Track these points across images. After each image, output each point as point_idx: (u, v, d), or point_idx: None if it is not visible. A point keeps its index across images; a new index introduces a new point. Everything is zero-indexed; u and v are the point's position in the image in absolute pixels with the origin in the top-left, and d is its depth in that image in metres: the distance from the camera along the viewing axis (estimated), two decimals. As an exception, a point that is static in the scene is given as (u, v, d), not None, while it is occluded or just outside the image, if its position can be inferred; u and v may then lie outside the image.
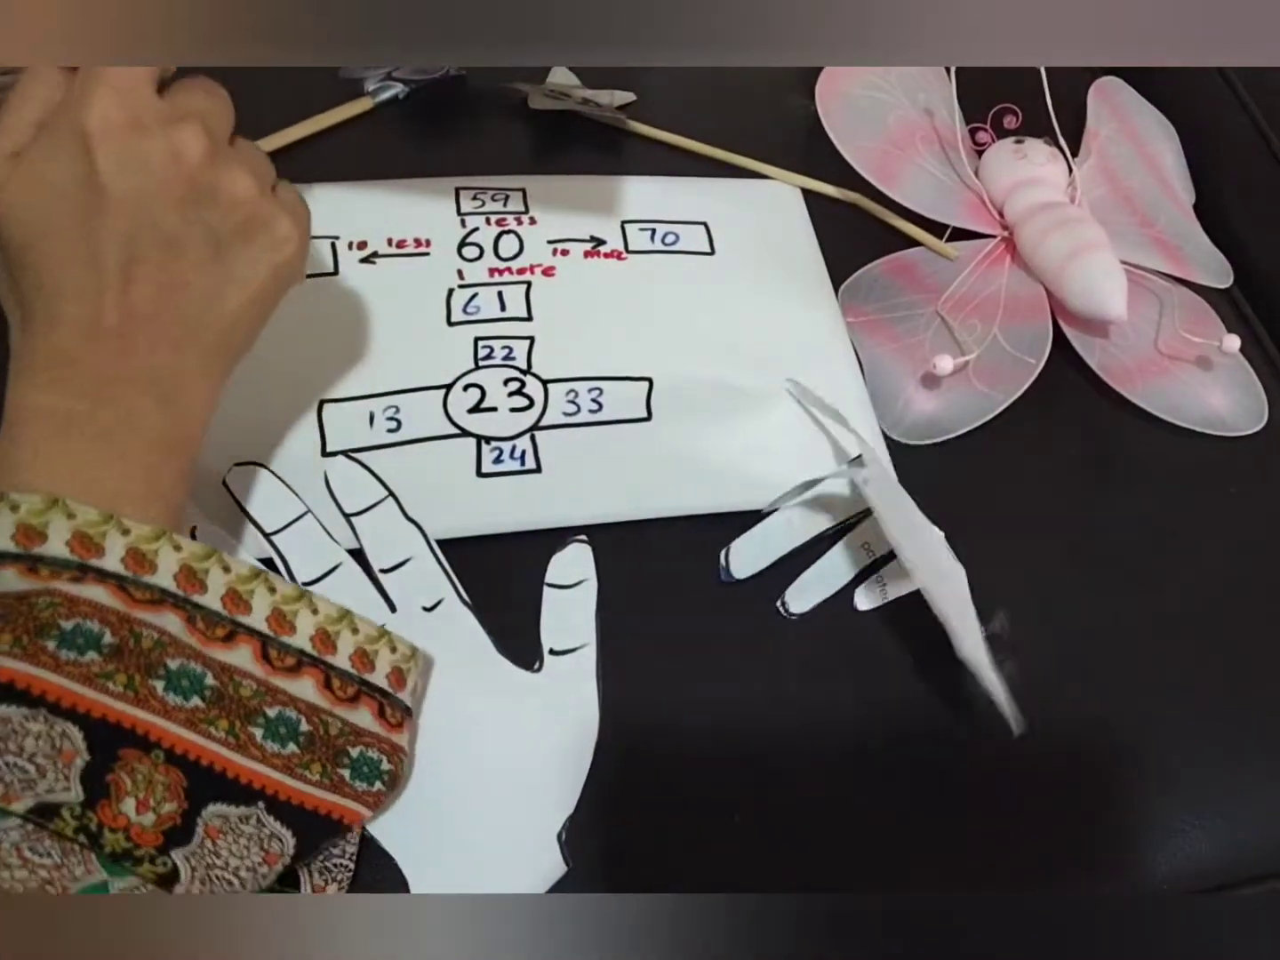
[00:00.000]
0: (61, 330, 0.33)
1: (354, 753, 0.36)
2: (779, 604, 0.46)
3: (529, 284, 0.54)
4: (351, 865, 0.37)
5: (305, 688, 0.36)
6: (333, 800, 0.36)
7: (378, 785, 0.37)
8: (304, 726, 0.36)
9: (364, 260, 0.53)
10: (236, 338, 0.37)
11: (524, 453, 0.48)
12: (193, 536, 0.42)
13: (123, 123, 0.33)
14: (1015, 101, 0.62)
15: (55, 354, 0.33)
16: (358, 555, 0.44)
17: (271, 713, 0.35)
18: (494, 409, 0.49)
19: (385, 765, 0.37)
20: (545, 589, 0.45)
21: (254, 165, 0.36)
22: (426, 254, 0.54)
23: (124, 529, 0.33)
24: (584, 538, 0.46)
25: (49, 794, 0.30)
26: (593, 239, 0.56)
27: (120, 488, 0.34)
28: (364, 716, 0.37)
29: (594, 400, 0.50)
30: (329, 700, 0.37)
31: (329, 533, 0.44)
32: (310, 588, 0.42)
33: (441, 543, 0.44)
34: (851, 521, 0.48)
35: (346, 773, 0.36)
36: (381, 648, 0.38)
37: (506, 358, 0.51)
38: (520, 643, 0.43)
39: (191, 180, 0.34)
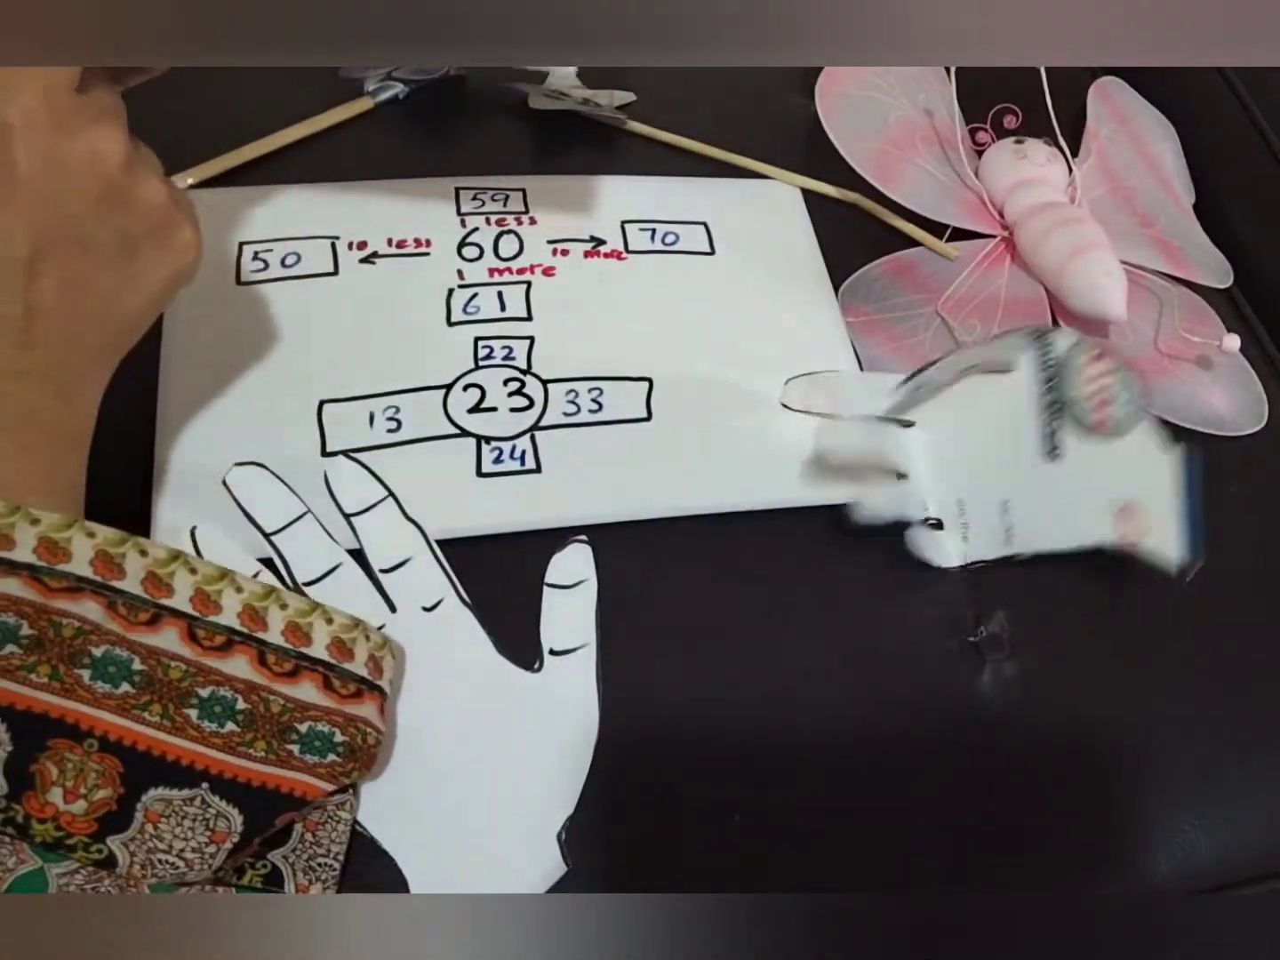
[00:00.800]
0: None
1: (302, 728, 0.36)
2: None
3: (529, 284, 0.54)
4: (338, 865, 0.37)
5: (239, 665, 0.36)
6: (281, 774, 0.35)
7: (331, 757, 0.36)
8: (241, 705, 0.35)
9: (364, 260, 0.53)
10: (131, 337, 0.38)
11: (524, 453, 0.48)
12: (192, 536, 0.42)
13: (45, 118, 0.33)
14: (1015, 101, 0.62)
15: None
16: (358, 555, 0.44)
17: (205, 693, 0.35)
18: (494, 409, 0.49)
19: (339, 738, 0.37)
20: (545, 589, 0.45)
21: (160, 169, 0.37)
22: (427, 254, 0.54)
23: (33, 519, 0.33)
24: (584, 538, 0.46)
25: None
26: (593, 239, 0.56)
27: (23, 480, 0.34)
28: (307, 690, 0.37)
29: (594, 400, 0.50)
30: (266, 677, 0.36)
31: (329, 533, 0.44)
32: (310, 588, 0.43)
33: (441, 543, 0.44)
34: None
35: (295, 748, 0.36)
36: (316, 620, 0.38)
37: (506, 358, 0.51)
38: (520, 643, 0.43)
39: (108, 182, 0.34)
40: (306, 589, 0.43)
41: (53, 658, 0.32)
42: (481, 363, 0.50)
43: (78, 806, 0.32)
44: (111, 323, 0.37)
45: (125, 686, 0.33)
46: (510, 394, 0.50)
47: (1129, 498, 0.48)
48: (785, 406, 0.50)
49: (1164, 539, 0.48)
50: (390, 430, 0.47)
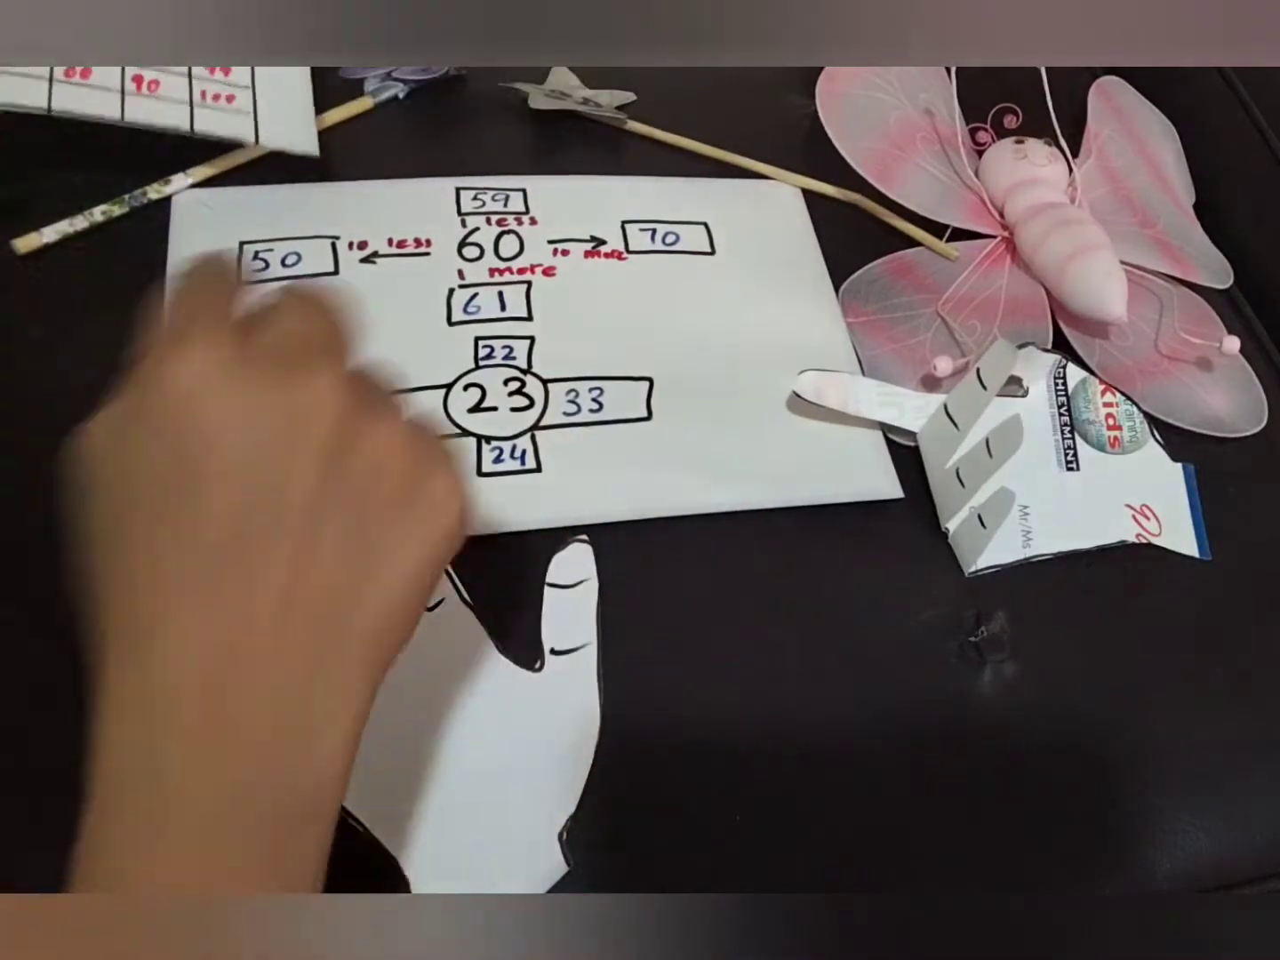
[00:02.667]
0: (158, 650, 0.25)
1: None
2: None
3: (529, 284, 0.54)
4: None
5: None
6: None
7: None
8: None
9: (364, 260, 0.53)
10: (392, 638, 0.29)
11: (524, 452, 0.48)
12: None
13: (227, 367, 0.26)
14: (1015, 101, 0.62)
15: (145, 688, 0.25)
16: (358, 555, 0.44)
17: None
18: (494, 409, 0.49)
19: None
20: (545, 589, 0.45)
21: (394, 407, 0.29)
22: (427, 254, 0.54)
23: None
24: (584, 538, 0.46)
25: None
26: (593, 239, 0.56)
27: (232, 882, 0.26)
28: None
29: (594, 400, 0.50)
30: None
31: (329, 533, 0.44)
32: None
33: (442, 543, 0.44)
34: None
35: None
36: None
37: (507, 357, 0.51)
38: (520, 643, 0.43)
39: (325, 439, 0.26)
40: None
41: None
42: (482, 362, 0.50)
43: None
44: (358, 626, 0.28)
45: None
46: (510, 394, 0.50)
47: (1144, 499, 0.50)
48: (797, 395, 0.50)
49: (1177, 540, 0.51)
50: (390, 430, 0.47)
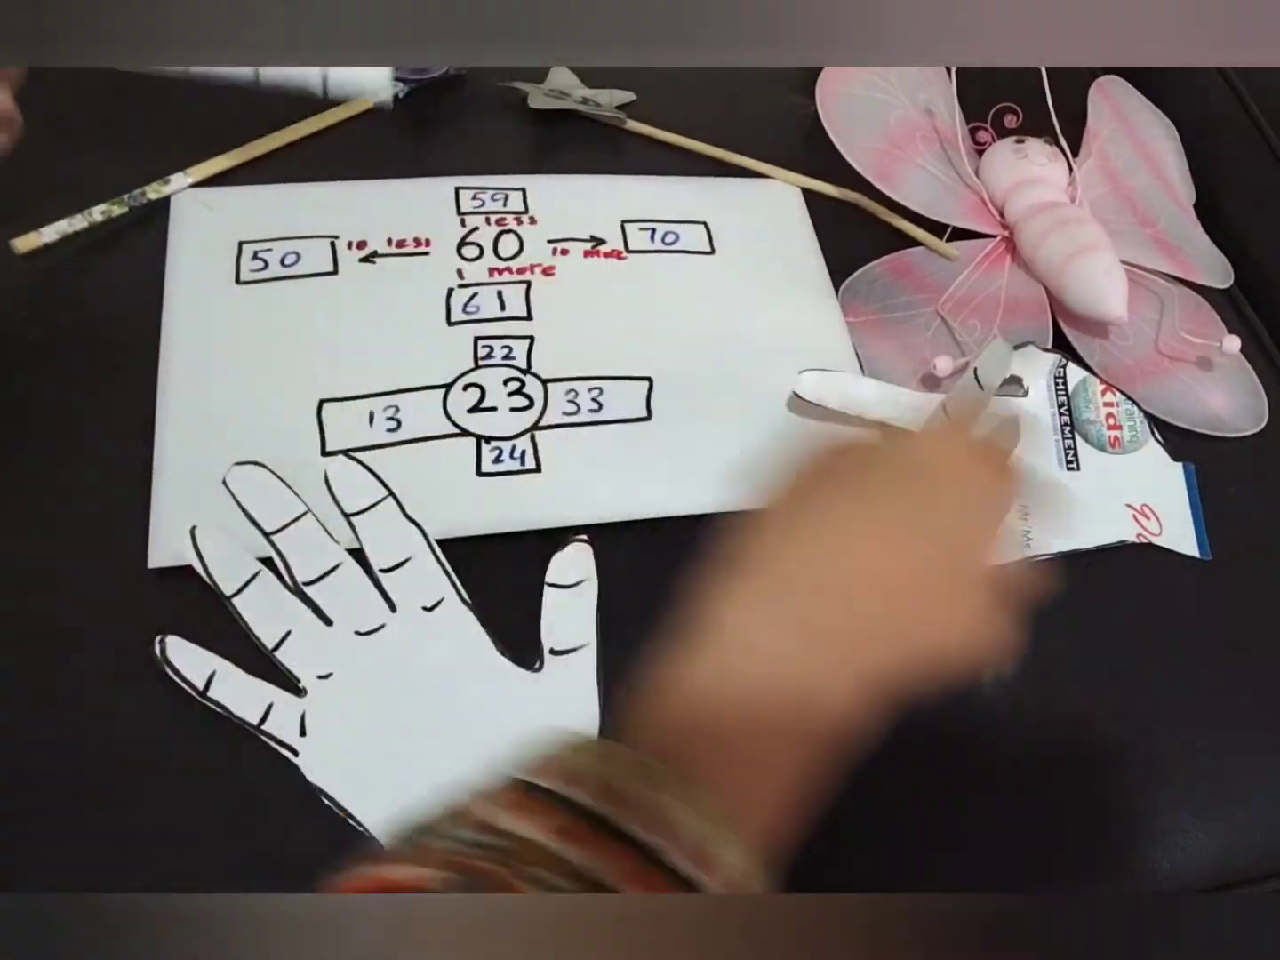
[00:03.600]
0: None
1: None
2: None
3: (529, 284, 0.54)
4: None
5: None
6: None
7: None
8: None
9: (364, 260, 0.53)
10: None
11: (524, 452, 0.48)
12: (192, 536, 0.42)
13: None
14: (1015, 101, 0.62)
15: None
16: (358, 555, 0.44)
17: None
18: (494, 409, 0.49)
19: None
20: (545, 589, 0.45)
21: None
22: (426, 254, 0.54)
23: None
24: (584, 538, 0.46)
25: None
26: (593, 239, 0.56)
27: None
28: None
29: (594, 400, 0.50)
30: None
31: (329, 532, 0.44)
32: (310, 587, 0.43)
33: (441, 543, 0.44)
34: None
35: None
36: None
37: (506, 357, 0.51)
38: (520, 643, 0.43)
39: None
40: (306, 588, 0.43)
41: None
42: (481, 362, 0.50)
43: None
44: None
45: None
46: (510, 394, 0.50)
47: (1144, 499, 0.50)
48: (797, 395, 0.50)
49: (1177, 540, 0.51)
50: (390, 430, 0.47)
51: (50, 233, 0.50)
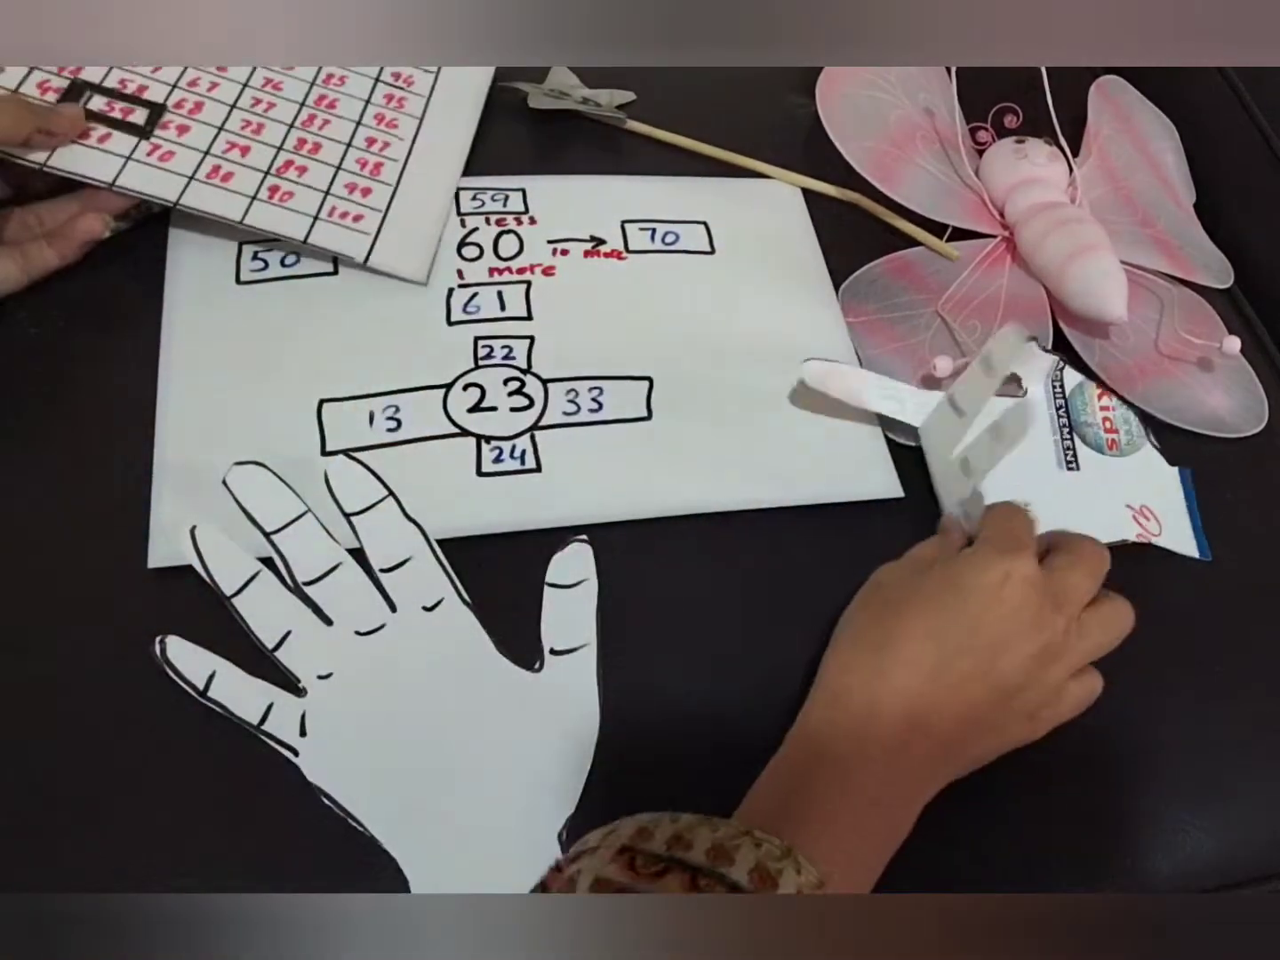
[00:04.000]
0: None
1: None
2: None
3: (529, 284, 0.54)
4: None
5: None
6: None
7: None
8: None
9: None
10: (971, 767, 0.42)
11: (524, 452, 0.48)
12: (192, 536, 0.42)
13: (1031, 582, 0.41)
14: (1015, 101, 0.63)
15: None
16: (358, 555, 0.44)
17: None
18: (494, 408, 0.49)
19: None
20: (545, 589, 0.45)
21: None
22: (426, 254, 0.54)
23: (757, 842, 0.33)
24: (584, 538, 0.46)
25: None
26: (593, 239, 0.56)
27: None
28: None
29: (594, 400, 0.50)
30: None
31: (329, 532, 0.44)
32: (310, 587, 0.43)
33: (441, 543, 0.44)
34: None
35: None
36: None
37: (506, 357, 0.51)
38: (520, 643, 0.43)
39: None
40: (306, 588, 0.43)
41: None
42: (481, 362, 0.50)
43: None
44: (978, 759, 0.41)
45: None
46: (510, 393, 0.50)
47: (1143, 500, 0.50)
48: (802, 382, 0.50)
49: (1177, 540, 0.51)
50: (390, 430, 0.47)
51: (50, 233, 0.50)
